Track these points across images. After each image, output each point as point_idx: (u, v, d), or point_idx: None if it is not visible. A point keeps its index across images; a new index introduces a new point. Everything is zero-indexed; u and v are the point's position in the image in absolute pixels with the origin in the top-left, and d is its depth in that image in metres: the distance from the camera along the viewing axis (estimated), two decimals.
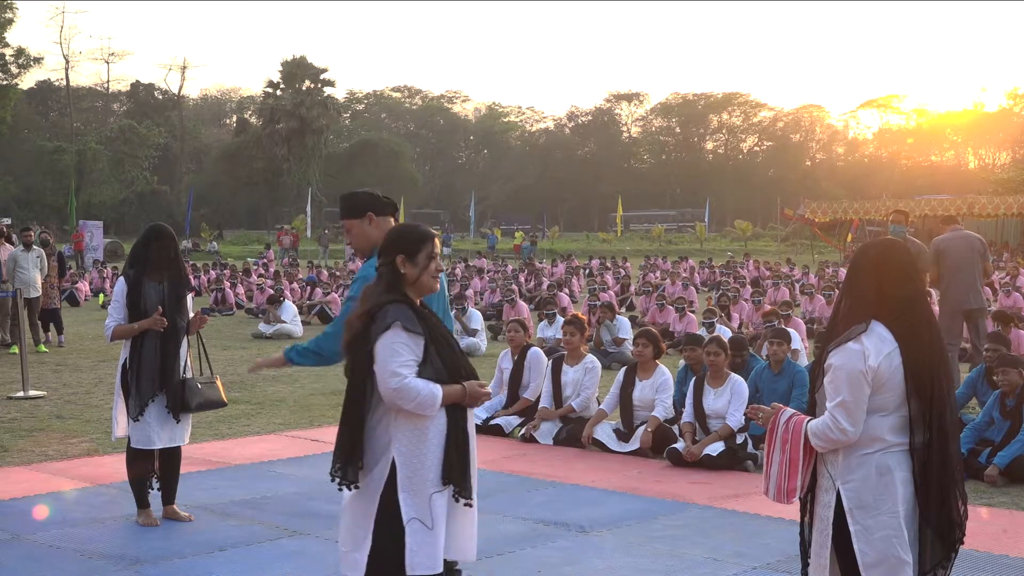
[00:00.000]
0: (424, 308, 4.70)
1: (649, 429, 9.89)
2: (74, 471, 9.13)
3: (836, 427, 4.15)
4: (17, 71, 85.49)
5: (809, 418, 4.33)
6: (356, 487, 4.62)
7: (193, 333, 7.69)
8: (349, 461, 4.62)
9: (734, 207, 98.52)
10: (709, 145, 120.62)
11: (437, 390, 4.52)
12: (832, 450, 4.24)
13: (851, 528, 4.19)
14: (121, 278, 7.55)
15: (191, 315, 7.64)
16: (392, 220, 5.64)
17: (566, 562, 6.78)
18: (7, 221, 47.24)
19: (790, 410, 4.44)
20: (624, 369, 10.63)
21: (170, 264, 7.49)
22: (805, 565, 4.42)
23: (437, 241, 4.79)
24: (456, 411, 4.63)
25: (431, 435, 4.57)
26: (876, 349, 4.14)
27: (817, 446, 4.26)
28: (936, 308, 20.02)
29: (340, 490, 4.67)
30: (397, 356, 4.50)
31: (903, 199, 56.61)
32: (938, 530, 4.18)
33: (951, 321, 12.69)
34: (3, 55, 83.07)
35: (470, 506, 4.70)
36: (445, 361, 4.63)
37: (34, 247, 17.92)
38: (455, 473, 4.59)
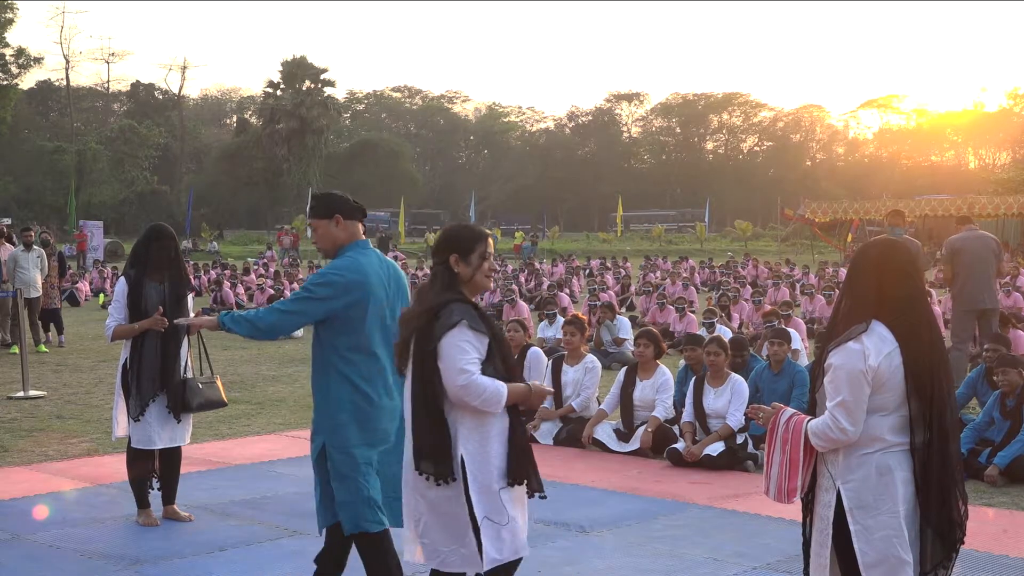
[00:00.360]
0: (478, 308, 4.72)
1: (649, 429, 9.89)
2: (74, 471, 9.13)
3: (836, 427, 4.15)
4: (17, 71, 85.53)
5: (809, 418, 4.33)
6: (453, 479, 4.56)
7: (194, 333, 7.69)
8: (440, 455, 4.55)
9: (734, 207, 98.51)
10: (709, 145, 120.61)
11: (503, 388, 4.54)
12: (832, 450, 4.24)
13: (851, 528, 4.19)
14: (122, 278, 7.55)
15: (192, 315, 7.64)
16: (360, 225, 5.66)
17: (566, 562, 6.78)
18: (7, 221, 47.25)
19: (790, 410, 4.44)
20: (625, 369, 10.64)
21: (171, 264, 7.50)
22: (807, 565, 4.42)
23: (490, 240, 4.81)
24: (516, 411, 4.66)
25: (493, 434, 4.59)
26: (876, 349, 4.14)
27: (817, 446, 4.26)
28: (937, 309, 20.07)
29: (437, 484, 4.55)
30: (464, 354, 4.50)
31: (903, 199, 56.64)
32: (938, 530, 4.18)
33: (964, 321, 12.64)
34: (3, 55, 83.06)
35: (544, 498, 4.77)
36: (505, 360, 4.66)
37: (34, 247, 17.93)
38: (521, 472, 4.63)
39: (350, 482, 5.43)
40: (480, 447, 4.57)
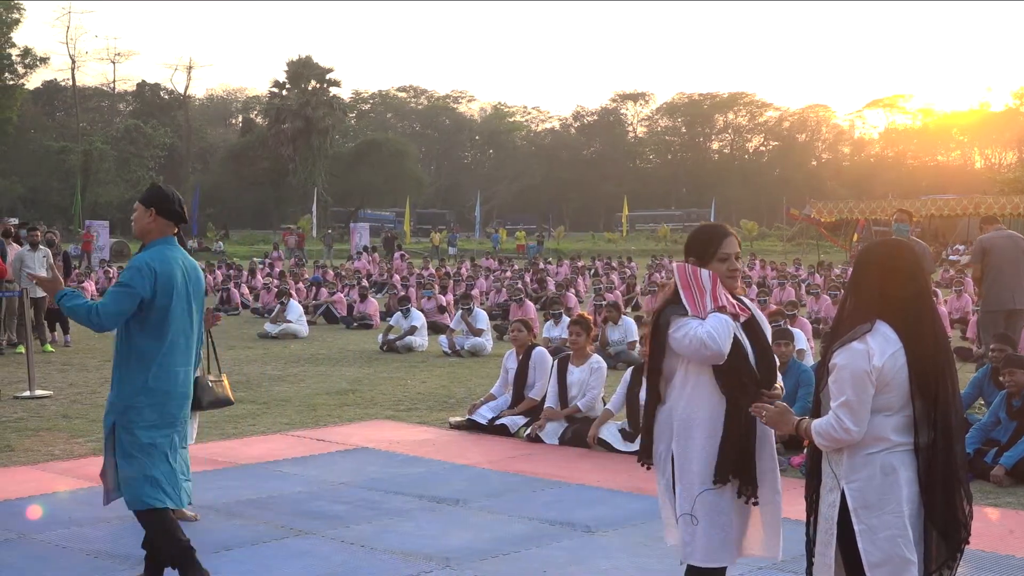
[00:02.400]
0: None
1: None
2: (80, 471, 9.14)
3: (840, 427, 4.15)
4: (23, 71, 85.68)
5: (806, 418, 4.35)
6: (650, 466, 4.87)
7: (205, 331, 7.71)
8: (645, 440, 4.87)
9: (740, 207, 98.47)
10: (715, 145, 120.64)
11: (717, 324, 4.62)
12: (836, 449, 4.25)
13: (855, 528, 4.18)
14: None
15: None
16: (175, 229, 6.03)
17: (571, 562, 6.78)
18: (14, 221, 47.30)
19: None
20: (631, 370, 10.62)
21: None
22: (810, 564, 4.42)
23: (729, 241, 4.81)
24: (739, 405, 4.62)
25: (696, 434, 4.64)
26: (880, 349, 4.14)
27: (821, 445, 4.26)
28: (942, 308, 20.04)
29: (647, 468, 4.92)
30: (687, 332, 4.61)
31: (909, 199, 56.65)
32: (943, 530, 4.17)
33: (992, 321, 12.56)
34: (9, 55, 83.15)
35: (756, 504, 4.71)
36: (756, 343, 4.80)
37: (40, 247, 17.95)
38: (730, 471, 4.62)
39: (135, 461, 5.77)
40: (684, 444, 4.68)
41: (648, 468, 4.88)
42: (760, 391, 4.64)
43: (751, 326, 4.80)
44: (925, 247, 12.98)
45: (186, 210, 6.07)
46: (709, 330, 4.58)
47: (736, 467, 4.62)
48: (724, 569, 4.75)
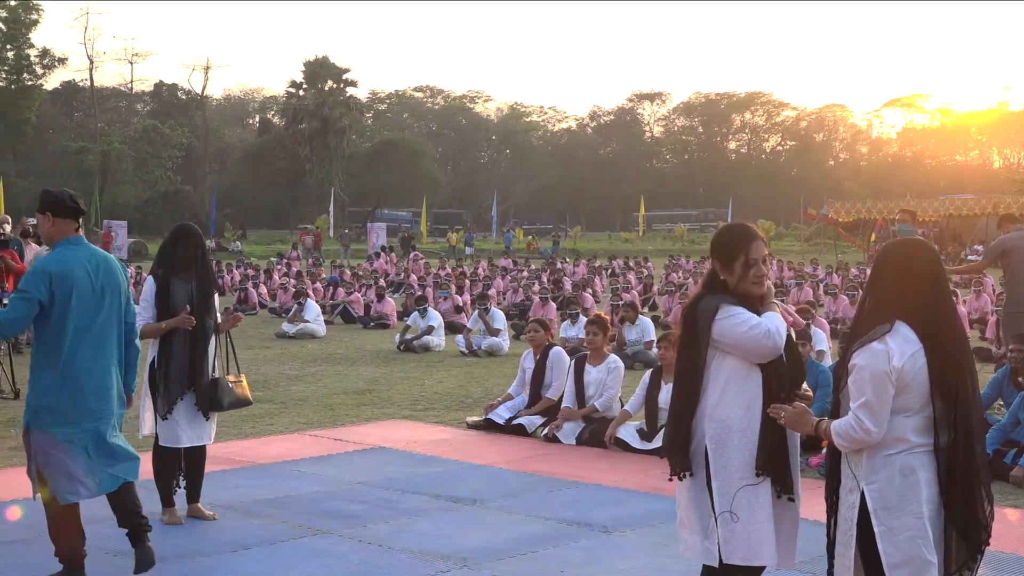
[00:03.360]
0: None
1: None
2: None
3: (860, 427, 4.13)
4: (42, 72, 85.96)
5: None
6: (689, 474, 4.69)
7: (224, 331, 7.74)
8: (678, 451, 4.71)
9: (757, 207, 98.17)
10: (732, 145, 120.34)
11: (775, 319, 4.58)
12: (856, 451, 4.23)
13: (875, 529, 4.17)
14: (150, 277, 7.61)
15: (219, 314, 7.69)
16: (76, 226, 6.14)
17: (589, 562, 6.78)
18: (32, 221, 47.47)
19: None
20: (650, 372, 10.60)
21: (198, 263, 7.54)
22: (831, 566, 4.40)
23: (756, 245, 4.70)
24: (770, 401, 4.55)
25: (734, 429, 4.58)
26: (900, 349, 4.13)
27: (841, 446, 4.25)
28: (962, 308, 19.96)
29: (671, 480, 4.77)
30: (747, 320, 4.54)
31: (927, 199, 56.46)
32: (963, 531, 4.16)
33: (1013, 321, 12.50)
34: (28, 56, 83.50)
35: (792, 501, 4.65)
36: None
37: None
38: (770, 465, 4.56)
39: (51, 457, 5.99)
40: (721, 438, 4.59)
41: (682, 479, 4.73)
42: (793, 391, 4.60)
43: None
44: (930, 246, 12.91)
45: (80, 203, 6.20)
46: (775, 326, 4.54)
47: (773, 464, 4.56)
48: (762, 569, 4.66)
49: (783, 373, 4.61)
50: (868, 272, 4.61)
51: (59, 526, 6.16)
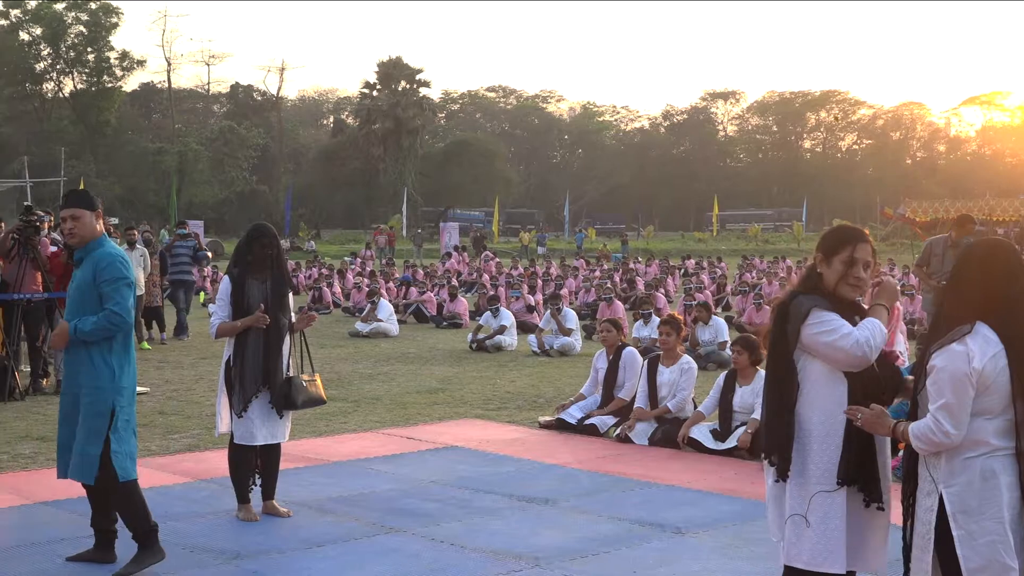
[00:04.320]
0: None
1: (748, 430, 9.76)
2: (176, 466, 9.29)
3: (939, 430, 4.07)
4: (121, 74, 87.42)
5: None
6: (783, 478, 4.62)
7: (298, 331, 7.80)
8: (784, 451, 4.57)
9: (832, 206, 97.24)
10: (807, 144, 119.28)
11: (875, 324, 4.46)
12: (934, 453, 4.17)
13: (954, 533, 4.11)
14: (226, 276, 7.70)
15: (293, 314, 7.75)
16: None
17: (661, 563, 6.74)
18: (114, 221, 48.31)
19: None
20: (725, 374, 10.51)
21: (273, 263, 7.60)
22: (907, 570, 4.35)
23: (863, 247, 4.54)
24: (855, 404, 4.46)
25: (813, 431, 4.52)
26: (981, 351, 4.06)
27: (919, 449, 4.19)
28: None
29: (776, 482, 4.64)
30: (837, 328, 4.42)
31: (1007, 198, 55.45)
32: None
33: None
34: (108, 58, 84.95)
35: (881, 510, 4.55)
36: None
37: (137, 246, 18.28)
38: (854, 473, 4.48)
39: (122, 438, 6.33)
40: (801, 443, 4.53)
41: (786, 479, 4.60)
42: (884, 394, 4.47)
43: None
44: None
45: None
46: (868, 336, 4.40)
47: (860, 471, 4.48)
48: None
49: (869, 381, 4.48)
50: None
51: (131, 502, 6.44)
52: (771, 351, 4.65)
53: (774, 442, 4.61)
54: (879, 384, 4.50)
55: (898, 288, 4.46)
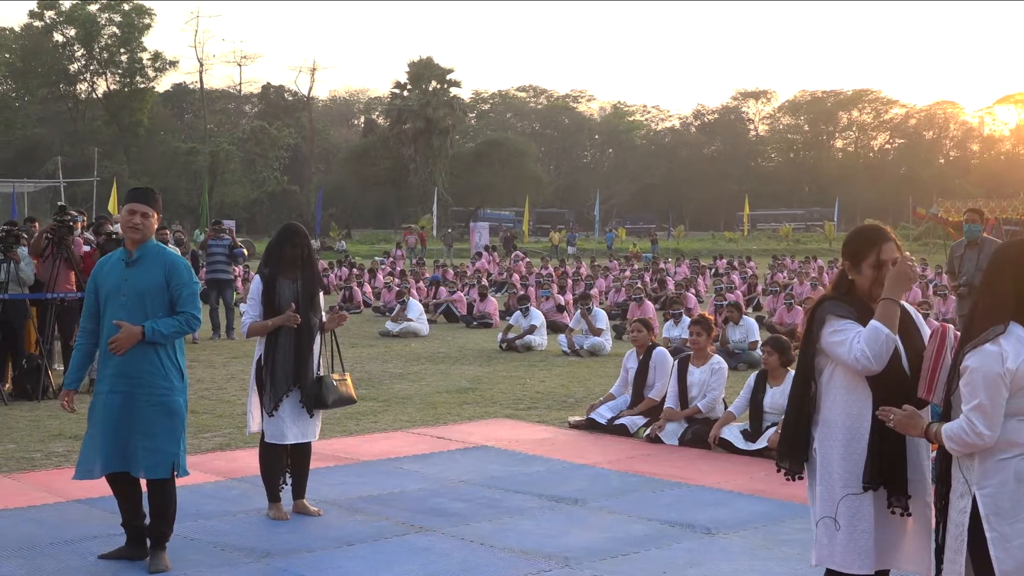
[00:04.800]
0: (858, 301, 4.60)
1: (779, 430, 9.72)
2: (207, 465, 9.33)
3: (972, 431, 4.04)
4: (154, 74, 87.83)
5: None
6: (800, 478, 4.72)
7: (329, 330, 7.81)
8: (794, 454, 4.70)
9: (864, 206, 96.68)
10: (838, 143, 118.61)
11: (879, 327, 4.42)
12: (968, 454, 4.14)
13: (987, 535, 4.08)
14: (257, 276, 7.72)
15: (323, 313, 7.77)
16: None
17: (691, 563, 6.73)
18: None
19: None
20: (755, 375, 10.48)
21: (304, 262, 7.62)
22: (939, 572, 4.32)
23: (888, 246, 4.54)
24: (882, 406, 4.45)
25: (837, 433, 4.54)
26: (1015, 351, 4.03)
27: (952, 450, 4.16)
28: None
29: (790, 480, 4.77)
30: (846, 339, 4.44)
31: None
32: None
33: None
34: (141, 59, 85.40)
35: (905, 515, 4.53)
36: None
37: (169, 246, 18.34)
38: (879, 477, 4.48)
39: (182, 436, 6.51)
40: (826, 445, 4.57)
41: (795, 480, 4.74)
42: (913, 395, 4.42)
43: (906, 329, 4.57)
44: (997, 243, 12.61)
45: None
46: (864, 349, 4.38)
47: (887, 474, 4.47)
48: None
49: (894, 384, 4.45)
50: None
51: (173, 496, 6.58)
52: (800, 353, 4.71)
53: (787, 446, 4.71)
54: (905, 386, 4.47)
55: (914, 270, 4.46)
